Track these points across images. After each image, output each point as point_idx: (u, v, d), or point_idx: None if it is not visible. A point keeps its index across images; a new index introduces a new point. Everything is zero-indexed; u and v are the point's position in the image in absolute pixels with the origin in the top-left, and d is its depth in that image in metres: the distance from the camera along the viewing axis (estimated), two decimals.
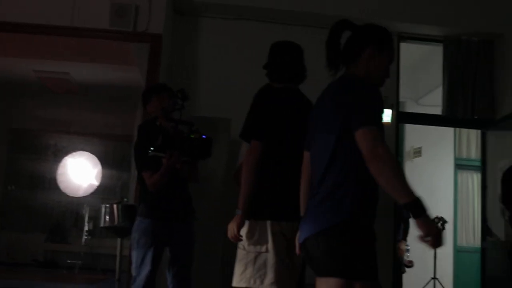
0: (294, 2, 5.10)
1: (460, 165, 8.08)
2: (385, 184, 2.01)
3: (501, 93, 5.33)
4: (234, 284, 2.77)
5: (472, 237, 7.71)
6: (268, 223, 2.72)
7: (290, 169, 2.66)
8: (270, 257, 2.69)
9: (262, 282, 2.68)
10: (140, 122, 3.90)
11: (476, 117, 5.37)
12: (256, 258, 2.72)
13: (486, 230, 5.36)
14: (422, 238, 2.01)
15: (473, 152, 7.92)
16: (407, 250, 6.53)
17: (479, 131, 5.82)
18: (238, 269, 2.77)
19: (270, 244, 2.69)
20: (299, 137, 2.55)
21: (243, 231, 2.76)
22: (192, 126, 3.35)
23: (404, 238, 6.54)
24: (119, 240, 4.24)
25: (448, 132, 7.82)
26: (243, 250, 2.77)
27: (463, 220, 7.84)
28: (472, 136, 7.86)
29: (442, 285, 7.04)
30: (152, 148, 3.23)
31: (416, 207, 2.00)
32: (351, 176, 2.14)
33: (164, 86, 3.67)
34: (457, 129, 7.93)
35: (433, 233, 2.01)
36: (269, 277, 2.67)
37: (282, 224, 2.73)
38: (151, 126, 3.44)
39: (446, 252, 7.28)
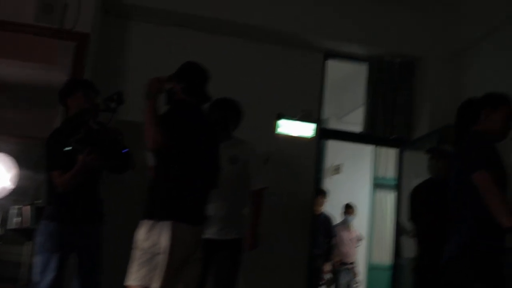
0: (222, 10, 5.05)
1: (378, 184, 8.29)
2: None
3: (418, 114, 5.52)
4: (127, 282, 2.73)
5: (385, 255, 7.92)
6: (168, 224, 2.68)
7: (195, 176, 2.79)
8: (164, 259, 2.66)
9: (152, 283, 2.65)
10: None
11: (394, 136, 5.55)
12: (150, 258, 2.68)
13: (398, 248, 5.52)
14: None
15: (390, 172, 8.15)
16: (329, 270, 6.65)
17: (396, 151, 5.99)
18: (132, 268, 2.73)
19: (166, 246, 2.66)
20: (205, 149, 2.83)
21: (142, 231, 2.73)
22: (120, 135, 3.26)
23: (329, 256, 6.66)
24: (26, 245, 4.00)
25: (367, 151, 8.03)
26: (140, 250, 2.73)
27: (377, 237, 8.05)
28: (390, 156, 8.08)
29: None
30: (71, 141, 3.06)
31: None
32: None
33: (92, 83, 3.53)
34: (376, 148, 8.14)
35: None
36: (159, 279, 2.65)
37: (183, 227, 2.71)
38: (74, 121, 3.25)
39: (360, 268, 7.44)
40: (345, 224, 7.36)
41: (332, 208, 7.03)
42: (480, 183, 2.60)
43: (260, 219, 3.57)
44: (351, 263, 7.10)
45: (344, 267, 7.04)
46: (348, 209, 7.44)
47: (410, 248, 5.12)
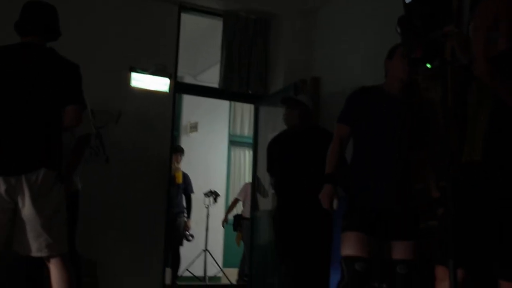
0: None
1: (234, 141, 8.40)
2: None
3: (273, 70, 5.56)
4: None
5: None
6: None
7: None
8: None
9: None
10: None
11: (250, 92, 5.55)
12: None
13: (255, 202, 5.60)
14: None
15: (246, 129, 8.27)
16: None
17: (252, 108, 6.01)
18: None
19: None
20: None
21: None
22: None
23: (189, 213, 6.64)
24: None
25: (223, 109, 8.05)
26: None
27: (234, 194, 8.16)
28: (246, 114, 8.20)
29: (212, 256, 7.24)
30: None
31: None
32: None
33: None
34: (232, 106, 8.22)
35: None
36: None
37: None
38: None
39: (217, 225, 7.50)
40: None
41: (189, 166, 6.94)
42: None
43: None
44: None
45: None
46: None
47: (267, 202, 5.25)
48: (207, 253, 7.23)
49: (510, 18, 2.25)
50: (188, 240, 6.63)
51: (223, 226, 7.50)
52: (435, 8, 2.58)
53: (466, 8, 3.59)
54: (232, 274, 7.30)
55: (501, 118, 2.20)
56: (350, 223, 2.76)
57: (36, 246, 2.65)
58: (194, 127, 7.93)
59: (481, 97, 2.34)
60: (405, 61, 2.75)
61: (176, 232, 6.28)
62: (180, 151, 6.59)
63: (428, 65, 2.74)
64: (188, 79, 7.43)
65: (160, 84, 5.06)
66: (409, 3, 2.50)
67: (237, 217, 6.97)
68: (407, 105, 2.85)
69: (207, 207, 7.34)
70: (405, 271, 2.75)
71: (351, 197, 2.87)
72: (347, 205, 2.86)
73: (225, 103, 7.89)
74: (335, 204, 2.78)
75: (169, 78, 5.09)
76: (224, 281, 7.33)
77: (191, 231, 6.70)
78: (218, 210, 7.67)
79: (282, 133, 4.21)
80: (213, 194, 7.39)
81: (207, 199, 7.38)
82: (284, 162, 3.98)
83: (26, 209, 2.63)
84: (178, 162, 6.41)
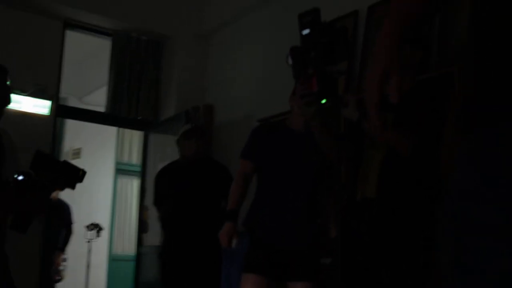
0: None
1: (121, 170, 8.17)
2: None
3: (165, 96, 5.51)
4: None
5: (128, 245, 7.83)
6: None
7: None
8: None
9: None
10: None
11: (139, 118, 5.44)
12: None
13: (141, 237, 5.45)
14: None
15: (135, 157, 8.09)
16: (64, 260, 6.21)
17: (142, 135, 5.91)
18: None
19: None
20: None
21: None
22: None
23: (64, 247, 6.20)
24: None
25: (110, 135, 7.83)
26: None
27: (120, 227, 7.91)
28: (135, 141, 8.03)
29: None
30: None
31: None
32: None
33: None
34: (120, 132, 8.01)
35: None
36: None
37: None
38: None
39: (99, 261, 7.22)
40: None
41: (70, 195, 6.64)
42: None
43: None
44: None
45: None
46: None
47: (154, 235, 5.12)
48: None
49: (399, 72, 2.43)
50: (55, 281, 6.15)
51: None
52: (333, 42, 2.69)
53: (359, 42, 3.79)
54: None
55: (394, 160, 2.41)
56: (249, 264, 2.79)
57: None
58: (76, 153, 7.66)
59: (374, 143, 2.56)
60: (298, 98, 2.81)
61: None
62: None
63: (323, 101, 2.84)
64: (73, 101, 7.18)
65: (39, 106, 4.84)
66: (306, 34, 2.59)
67: None
68: (311, 141, 2.88)
69: (89, 241, 7.06)
70: None
71: (252, 235, 2.89)
72: (248, 244, 2.88)
73: (112, 128, 7.69)
74: (234, 243, 2.81)
75: (50, 100, 4.88)
76: None
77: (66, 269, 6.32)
78: (101, 245, 7.40)
79: (172, 164, 4.17)
80: (96, 227, 7.13)
81: (89, 233, 7.10)
82: (173, 195, 3.93)
83: None
84: (57, 192, 6.11)
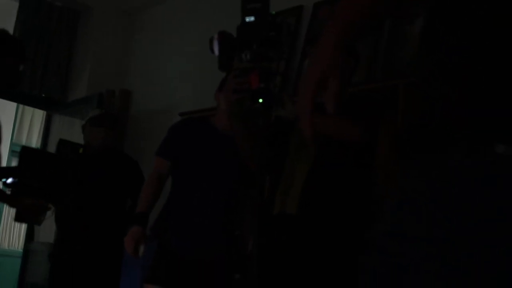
0: None
1: (17, 152, 7.56)
2: None
3: (76, 73, 5.09)
4: None
5: (17, 240, 7.36)
6: None
7: None
8: None
9: None
10: None
11: (43, 95, 5.00)
12: None
13: (31, 231, 5.03)
14: None
15: (35, 139, 7.57)
16: None
17: (45, 113, 5.53)
18: None
19: None
20: None
21: None
22: None
23: None
24: None
25: (8, 110, 7.23)
26: None
27: (8, 218, 7.31)
28: (36, 120, 7.50)
29: None
30: None
31: None
32: None
33: None
34: (20, 110, 7.49)
35: None
36: None
37: None
38: None
39: None
40: None
41: None
42: None
43: None
44: None
45: None
46: None
47: (49, 231, 4.70)
48: None
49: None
50: None
51: None
52: (277, 34, 2.47)
53: (300, 40, 3.60)
54: None
55: (319, 174, 2.32)
56: (153, 274, 2.61)
57: None
58: None
59: (300, 153, 2.41)
60: (227, 92, 2.60)
61: None
62: None
63: (261, 100, 2.63)
64: None
65: None
66: (249, 22, 2.31)
67: None
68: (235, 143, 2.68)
69: None
70: None
71: (160, 242, 2.70)
72: (154, 251, 2.68)
73: (11, 104, 7.10)
74: (141, 250, 2.57)
75: None
76: None
77: None
78: None
79: None
80: None
81: None
82: (70, 188, 3.58)
83: None
84: None
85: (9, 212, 7.40)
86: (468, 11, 0.90)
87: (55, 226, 3.85)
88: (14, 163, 7.52)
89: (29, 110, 7.49)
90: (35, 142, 7.46)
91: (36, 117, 7.48)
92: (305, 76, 1.02)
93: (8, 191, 3.31)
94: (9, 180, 2.62)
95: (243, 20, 2.26)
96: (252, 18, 2.27)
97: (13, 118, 7.47)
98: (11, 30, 4.86)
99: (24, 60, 2.98)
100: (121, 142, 4.54)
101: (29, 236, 5.02)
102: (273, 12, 2.33)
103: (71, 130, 4.76)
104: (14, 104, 7.20)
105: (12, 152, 7.48)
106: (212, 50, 2.52)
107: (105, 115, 3.75)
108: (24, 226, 5.40)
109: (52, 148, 5.01)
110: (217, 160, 2.71)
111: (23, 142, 7.60)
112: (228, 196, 2.71)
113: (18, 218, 3.38)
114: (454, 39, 0.91)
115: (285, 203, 2.37)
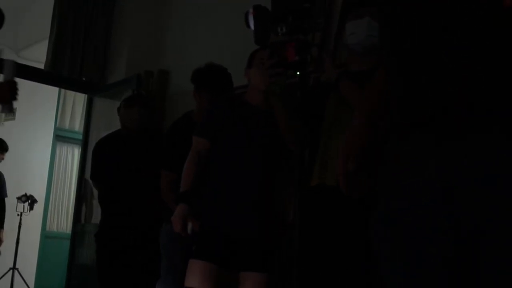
0: None
1: (61, 137, 7.87)
2: None
3: (114, 56, 5.24)
4: None
5: (65, 222, 7.62)
6: None
7: None
8: None
9: None
10: None
11: (84, 79, 5.20)
12: None
13: (78, 213, 5.26)
14: None
15: (77, 123, 7.82)
16: None
17: (85, 97, 5.69)
18: None
19: None
20: None
21: None
22: None
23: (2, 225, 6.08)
24: None
25: (51, 95, 7.52)
26: None
27: (57, 201, 7.64)
28: (79, 104, 7.75)
29: (22, 276, 6.70)
30: None
31: None
32: None
33: None
34: (62, 95, 7.74)
35: None
36: None
37: None
38: None
39: (31, 239, 7.00)
40: None
41: (3, 163, 6.36)
42: None
43: None
44: None
45: None
46: None
47: (96, 212, 4.93)
48: (16, 273, 6.65)
49: None
50: None
51: None
52: (311, 6, 2.56)
53: (337, 7, 3.65)
54: None
55: None
56: (199, 250, 2.70)
57: None
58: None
59: (339, 114, 2.44)
60: (264, 69, 2.70)
61: None
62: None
63: (297, 73, 2.73)
64: (9, 54, 6.85)
65: None
66: None
67: None
68: (271, 120, 2.76)
69: (20, 215, 6.79)
70: None
71: (203, 220, 2.78)
72: (199, 229, 2.77)
73: (54, 89, 7.38)
74: (189, 227, 2.68)
75: None
76: None
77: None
78: (34, 220, 7.15)
79: (113, 134, 4.01)
80: (29, 199, 6.86)
81: (20, 205, 6.82)
82: (112, 169, 3.77)
83: None
84: None
85: (55, 193, 7.76)
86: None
87: (100, 207, 4.06)
88: (58, 149, 7.87)
89: (70, 94, 7.77)
90: (77, 126, 7.74)
91: (77, 101, 7.75)
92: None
93: None
94: None
95: None
96: None
97: (56, 103, 7.77)
98: (49, 13, 5.14)
99: None
100: (161, 122, 4.67)
101: (77, 217, 5.25)
102: None
103: (112, 112, 4.92)
104: (56, 90, 7.52)
105: (56, 136, 7.80)
106: (247, 25, 2.66)
107: (137, 95, 3.91)
108: (71, 208, 5.63)
109: (95, 133, 5.25)
110: (253, 138, 2.79)
111: (66, 126, 7.89)
112: (265, 173, 2.78)
113: None
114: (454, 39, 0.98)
115: (325, 176, 2.43)
